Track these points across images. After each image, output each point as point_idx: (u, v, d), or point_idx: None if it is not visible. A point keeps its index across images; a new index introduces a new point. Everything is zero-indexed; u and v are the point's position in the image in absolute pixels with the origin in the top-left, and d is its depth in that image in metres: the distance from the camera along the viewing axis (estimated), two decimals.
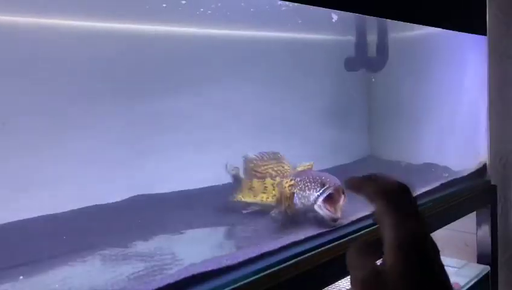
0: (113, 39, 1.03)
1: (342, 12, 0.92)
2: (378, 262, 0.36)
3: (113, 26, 1.04)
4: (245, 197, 1.03)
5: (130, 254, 0.79)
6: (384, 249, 0.34)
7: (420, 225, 0.35)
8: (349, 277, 0.40)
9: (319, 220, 0.89)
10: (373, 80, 1.56)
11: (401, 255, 0.33)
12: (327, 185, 0.87)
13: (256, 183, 1.04)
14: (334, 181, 0.88)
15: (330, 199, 0.87)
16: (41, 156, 0.94)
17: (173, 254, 0.78)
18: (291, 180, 0.95)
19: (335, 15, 0.99)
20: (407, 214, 0.35)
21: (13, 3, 0.85)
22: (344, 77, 1.48)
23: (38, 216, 0.90)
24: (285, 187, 0.95)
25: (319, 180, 0.89)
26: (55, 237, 0.84)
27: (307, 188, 0.90)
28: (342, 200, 0.87)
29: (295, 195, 0.92)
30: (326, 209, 0.86)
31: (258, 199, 1.00)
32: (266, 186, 1.02)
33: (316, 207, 0.87)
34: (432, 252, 0.34)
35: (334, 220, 0.87)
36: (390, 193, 0.37)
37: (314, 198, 0.87)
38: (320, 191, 0.87)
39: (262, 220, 0.95)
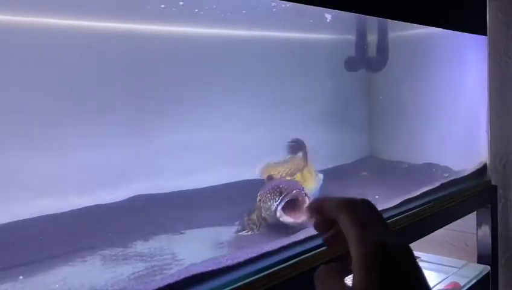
0: (108, 39, 1.03)
1: (342, 12, 0.92)
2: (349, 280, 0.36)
3: (108, 26, 1.04)
4: None
5: (129, 254, 0.79)
6: (352, 264, 0.32)
7: (387, 235, 0.33)
8: (350, 277, 0.39)
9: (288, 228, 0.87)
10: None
11: (364, 267, 0.31)
12: (284, 193, 0.86)
13: None
14: (293, 187, 0.87)
15: (294, 205, 0.86)
16: (41, 155, 0.94)
17: (173, 254, 0.78)
18: (259, 195, 0.95)
19: (328, 14, 0.99)
20: (372, 223, 0.34)
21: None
22: (344, 76, 1.48)
23: (39, 216, 0.90)
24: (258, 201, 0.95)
25: (277, 189, 0.88)
26: (55, 237, 0.84)
27: (267, 199, 0.89)
28: (304, 204, 0.86)
29: (262, 209, 0.91)
30: (288, 216, 0.85)
31: None
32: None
33: (278, 216, 0.86)
34: (403, 262, 0.32)
35: (298, 224, 0.86)
36: (353, 204, 0.36)
37: (274, 208, 0.87)
38: (279, 199, 0.86)
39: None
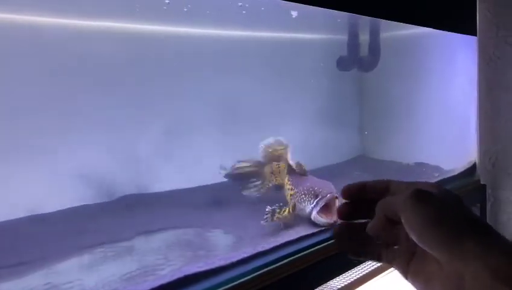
0: (91, 38, 1.02)
1: (334, 12, 0.92)
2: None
3: (104, 25, 1.02)
4: (269, 181, 1.09)
5: (118, 252, 0.78)
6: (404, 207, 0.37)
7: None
8: (339, 277, 0.43)
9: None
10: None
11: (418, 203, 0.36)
12: (320, 197, 0.88)
13: (275, 166, 1.09)
14: (328, 191, 0.89)
15: (326, 207, 0.88)
16: (28, 155, 0.93)
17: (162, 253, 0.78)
18: (291, 189, 0.97)
19: (294, 12, 0.99)
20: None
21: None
22: (336, 76, 1.48)
23: (27, 216, 0.89)
24: (289, 195, 0.98)
25: (312, 192, 0.90)
26: (39, 238, 0.83)
27: (302, 200, 0.91)
28: (336, 205, 0.88)
29: (295, 207, 0.93)
30: (322, 218, 0.87)
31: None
32: (280, 170, 1.06)
33: (312, 218, 0.88)
34: (452, 200, 0.37)
35: (332, 225, 0.87)
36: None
37: (309, 210, 0.89)
38: (314, 203, 0.88)
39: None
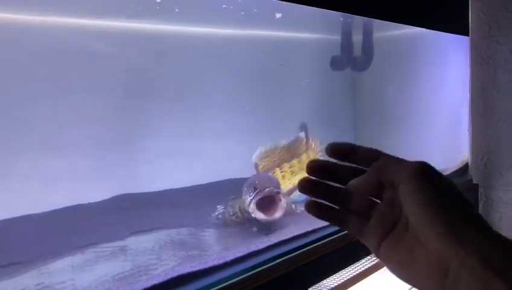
0: (84, 36, 1.01)
1: (328, 12, 0.92)
2: None
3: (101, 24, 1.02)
4: None
5: (112, 251, 0.77)
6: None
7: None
8: (332, 276, 0.41)
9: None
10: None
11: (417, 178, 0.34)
12: (258, 189, 0.88)
13: None
14: (268, 184, 0.89)
15: (268, 202, 0.88)
16: (24, 155, 0.92)
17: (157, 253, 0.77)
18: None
19: (278, 13, 1.00)
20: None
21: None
22: (330, 76, 1.48)
23: (20, 216, 0.88)
24: None
25: (253, 185, 0.90)
26: (35, 237, 0.82)
27: (245, 192, 0.91)
28: (279, 202, 0.88)
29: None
30: (261, 214, 0.87)
31: None
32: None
33: (250, 211, 0.88)
34: (447, 180, 0.36)
35: (269, 221, 0.87)
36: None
37: (248, 203, 0.89)
38: (252, 195, 0.88)
39: None
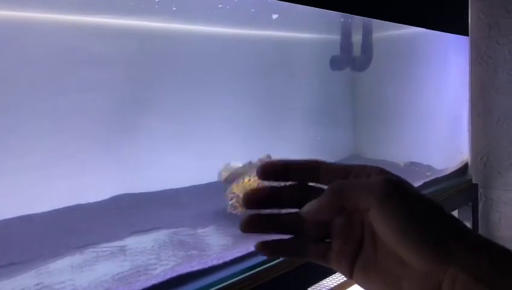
0: (83, 34, 1.01)
1: (327, 12, 0.92)
2: None
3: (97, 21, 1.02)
4: None
5: (111, 251, 0.77)
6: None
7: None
8: (332, 276, 0.37)
9: None
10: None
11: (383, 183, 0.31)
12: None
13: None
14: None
15: None
16: (23, 155, 0.92)
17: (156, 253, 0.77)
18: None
19: (275, 14, 1.00)
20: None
21: None
22: (329, 76, 1.48)
23: (19, 216, 0.88)
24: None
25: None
26: (36, 237, 0.82)
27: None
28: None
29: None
30: None
31: None
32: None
33: None
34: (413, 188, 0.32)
35: None
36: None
37: None
38: None
39: None
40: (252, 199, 0.34)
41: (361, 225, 0.33)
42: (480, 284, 0.28)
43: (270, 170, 0.34)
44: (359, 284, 0.34)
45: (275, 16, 0.98)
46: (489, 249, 0.30)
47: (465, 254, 0.29)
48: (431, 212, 0.31)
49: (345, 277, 0.34)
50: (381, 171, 0.33)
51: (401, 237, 0.30)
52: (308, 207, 0.33)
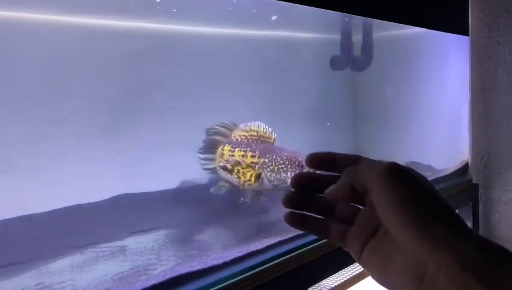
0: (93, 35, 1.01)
1: (328, 12, 0.92)
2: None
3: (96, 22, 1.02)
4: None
5: (111, 252, 0.77)
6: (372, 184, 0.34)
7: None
8: (332, 276, 0.40)
9: None
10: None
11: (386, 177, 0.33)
12: (306, 168, 0.86)
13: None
14: None
15: None
16: (22, 154, 0.92)
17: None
18: (257, 158, 0.91)
19: (274, 16, 1.00)
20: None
21: None
22: (329, 75, 1.48)
23: (19, 216, 0.88)
24: (249, 166, 0.92)
25: (296, 162, 0.86)
26: (36, 238, 0.82)
27: (281, 170, 0.86)
28: None
29: (263, 177, 0.89)
30: None
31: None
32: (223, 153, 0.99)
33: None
34: (417, 174, 0.34)
35: None
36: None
37: (287, 177, 0.86)
38: (297, 171, 0.85)
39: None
40: (300, 180, 0.39)
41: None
42: (467, 275, 0.28)
43: (317, 159, 0.39)
44: (364, 267, 0.36)
45: (274, 17, 0.98)
46: (478, 239, 0.30)
47: (453, 241, 0.30)
48: (426, 199, 0.33)
49: (355, 258, 0.37)
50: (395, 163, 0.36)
51: (394, 215, 0.32)
52: (329, 189, 0.37)
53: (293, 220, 0.39)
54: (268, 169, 0.89)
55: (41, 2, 0.88)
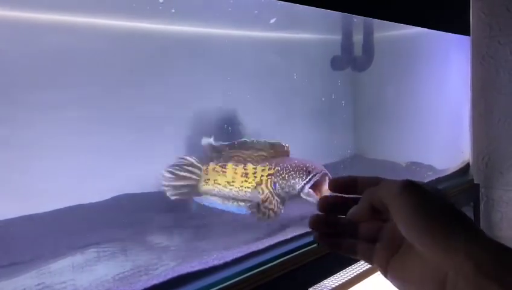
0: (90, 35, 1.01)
1: (328, 12, 0.92)
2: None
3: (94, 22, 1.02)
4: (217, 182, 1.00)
5: (110, 254, 0.78)
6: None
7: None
8: (333, 276, 0.42)
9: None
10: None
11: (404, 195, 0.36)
12: (313, 173, 0.88)
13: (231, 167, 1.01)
14: (319, 167, 0.90)
15: (315, 185, 0.88)
16: (23, 154, 0.92)
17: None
18: (269, 169, 0.95)
19: (273, 19, 1.00)
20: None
21: None
22: (330, 76, 1.48)
23: (20, 216, 0.88)
24: (263, 176, 0.94)
25: (304, 168, 0.90)
26: (35, 238, 0.82)
27: (291, 177, 0.90)
28: (326, 185, 0.87)
29: (276, 184, 0.92)
30: (315, 195, 0.87)
31: (237, 185, 0.98)
32: (247, 172, 0.99)
33: (303, 195, 0.88)
34: (435, 191, 0.36)
35: None
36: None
37: (300, 187, 0.88)
38: (307, 179, 0.88)
39: None
40: (326, 203, 0.42)
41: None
42: (481, 275, 0.30)
43: (339, 183, 0.42)
44: (391, 281, 0.39)
45: (272, 20, 0.99)
46: (491, 243, 0.32)
47: (469, 246, 0.32)
48: (441, 208, 0.35)
49: (382, 274, 0.39)
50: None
51: (412, 227, 0.34)
52: (351, 210, 0.40)
53: (324, 242, 0.42)
54: (279, 177, 0.92)
55: (39, 1, 0.88)
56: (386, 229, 0.39)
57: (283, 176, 0.91)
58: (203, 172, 1.03)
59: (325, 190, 0.88)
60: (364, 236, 0.41)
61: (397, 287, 0.38)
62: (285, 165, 0.92)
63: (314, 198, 0.87)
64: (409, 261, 0.36)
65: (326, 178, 0.88)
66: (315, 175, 0.88)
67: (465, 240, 0.32)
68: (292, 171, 0.90)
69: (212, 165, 1.02)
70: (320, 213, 0.42)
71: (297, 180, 0.89)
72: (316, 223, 0.41)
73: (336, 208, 0.42)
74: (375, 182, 0.40)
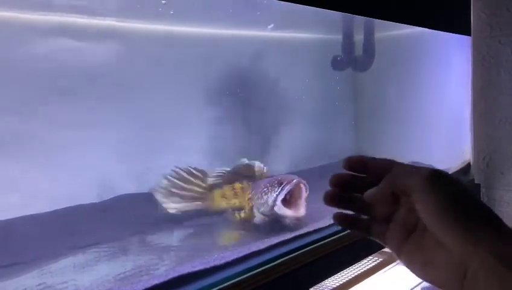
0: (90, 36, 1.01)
1: (329, 12, 0.92)
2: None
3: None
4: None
5: (111, 254, 0.78)
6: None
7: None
8: (334, 276, 0.42)
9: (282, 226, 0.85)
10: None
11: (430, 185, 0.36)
12: (284, 183, 0.83)
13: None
14: (292, 178, 0.84)
15: (291, 198, 0.83)
16: (22, 155, 0.92)
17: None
18: (248, 193, 0.92)
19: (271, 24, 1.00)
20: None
21: None
22: (331, 76, 1.48)
23: (21, 216, 0.88)
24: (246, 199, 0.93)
25: (275, 181, 0.85)
26: (36, 238, 0.83)
27: (263, 193, 0.86)
28: (303, 196, 0.83)
29: (253, 207, 0.89)
30: (287, 210, 0.82)
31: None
32: (236, 191, 0.99)
33: (276, 209, 0.83)
34: (459, 182, 0.37)
35: (297, 218, 0.83)
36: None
37: (272, 200, 0.83)
38: (278, 190, 0.83)
39: None
40: (339, 179, 0.42)
41: (417, 214, 0.37)
42: (503, 267, 0.30)
43: (354, 162, 0.42)
44: (402, 263, 0.39)
45: (270, 26, 0.99)
46: None
47: (493, 239, 0.32)
48: (466, 200, 0.35)
49: (394, 254, 0.40)
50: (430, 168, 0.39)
51: (438, 218, 0.35)
52: (369, 192, 0.40)
53: (340, 219, 0.42)
54: (255, 198, 0.89)
55: (45, 3, 0.88)
56: (401, 212, 0.40)
57: (257, 195, 0.88)
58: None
59: (301, 201, 0.83)
60: (378, 217, 0.41)
61: (411, 270, 0.38)
62: (259, 186, 0.89)
63: (285, 211, 0.82)
64: (426, 246, 0.37)
65: (301, 186, 0.83)
66: (286, 185, 0.83)
67: (490, 232, 0.33)
68: (265, 187, 0.86)
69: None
70: (334, 188, 0.42)
71: (269, 194, 0.84)
72: (332, 198, 0.42)
73: (347, 186, 0.42)
74: (389, 164, 0.41)
